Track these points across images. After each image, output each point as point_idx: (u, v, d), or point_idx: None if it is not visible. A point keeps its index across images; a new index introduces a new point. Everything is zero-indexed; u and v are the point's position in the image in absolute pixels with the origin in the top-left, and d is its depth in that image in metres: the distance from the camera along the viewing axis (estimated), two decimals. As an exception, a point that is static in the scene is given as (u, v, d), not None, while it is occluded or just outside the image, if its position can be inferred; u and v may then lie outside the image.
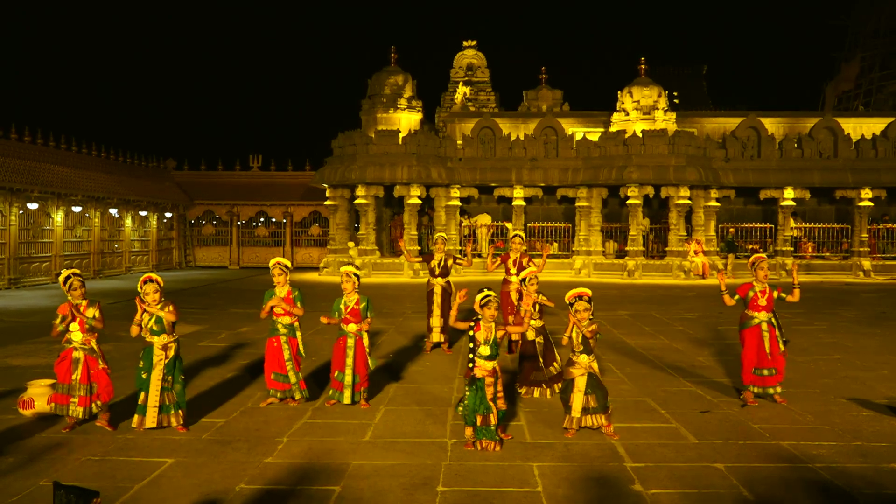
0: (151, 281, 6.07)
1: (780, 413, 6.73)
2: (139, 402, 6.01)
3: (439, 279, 9.87)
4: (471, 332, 5.69)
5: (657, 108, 25.88)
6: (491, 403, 5.60)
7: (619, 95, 26.54)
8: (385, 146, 23.95)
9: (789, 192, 24.20)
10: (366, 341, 6.91)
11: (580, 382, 5.95)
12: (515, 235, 10.04)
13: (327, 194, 25.32)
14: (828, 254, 25.25)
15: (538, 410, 6.80)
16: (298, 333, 7.00)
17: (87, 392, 6.04)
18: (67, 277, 6.20)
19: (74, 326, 6.08)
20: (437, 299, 9.81)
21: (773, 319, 7.04)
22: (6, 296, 17.67)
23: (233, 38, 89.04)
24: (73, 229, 22.90)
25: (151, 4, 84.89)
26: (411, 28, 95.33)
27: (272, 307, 6.83)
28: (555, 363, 7.46)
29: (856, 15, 44.25)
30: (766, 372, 7.01)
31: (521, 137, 25.35)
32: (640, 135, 23.60)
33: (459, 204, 24.65)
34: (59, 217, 21.80)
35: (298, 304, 6.88)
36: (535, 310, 7.42)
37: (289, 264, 7.03)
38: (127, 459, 5.36)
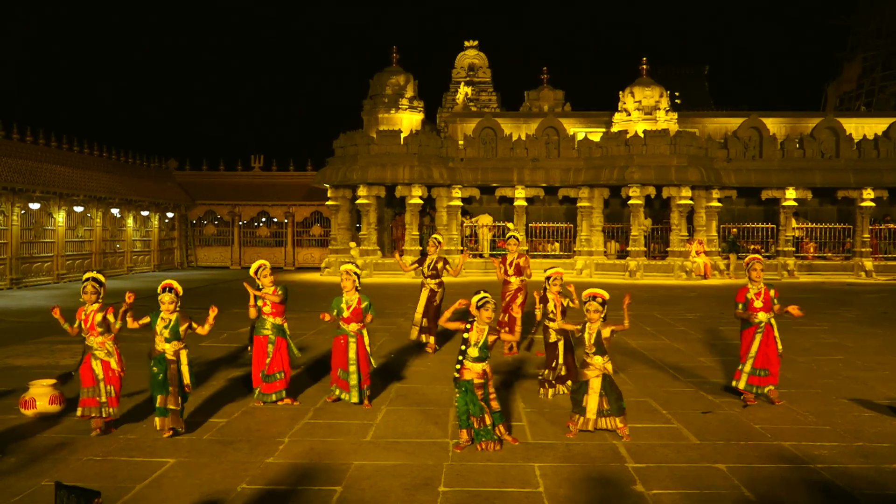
0: (170, 290, 6.07)
1: (781, 413, 6.72)
2: (157, 405, 5.96)
3: (430, 281, 9.94)
4: (465, 335, 5.65)
5: (659, 109, 25.87)
6: (483, 404, 5.57)
7: (620, 96, 26.54)
8: (387, 146, 23.96)
9: (791, 193, 24.17)
10: (367, 340, 6.92)
11: (595, 384, 5.91)
12: (511, 237, 10.06)
13: (329, 194, 25.33)
14: (829, 254, 25.22)
15: (539, 410, 6.80)
16: (288, 335, 7.04)
17: (114, 393, 6.03)
18: (86, 280, 6.18)
19: (88, 331, 6.09)
20: (423, 299, 9.92)
21: (772, 320, 7.04)
22: (8, 296, 17.69)
23: (234, 38, 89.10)
24: (75, 229, 22.92)
25: (152, 4, 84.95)
26: (413, 28, 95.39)
27: (259, 305, 6.98)
28: (566, 366, 7.38)
29: (858, 15, 44.21)
30: (761, 372, 7.01)
31: (523, 138, 25.34)
32: (642, 135, 23.59)
33: (461, 204, 24.65)
34: (60, 217, 21.82)
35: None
36: (557, 311, 7.35)
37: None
38: (128, 459, 5.37)
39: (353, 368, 6.81)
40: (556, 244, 25.43)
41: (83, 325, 6.09)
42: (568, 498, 4.69)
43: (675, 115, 26.42)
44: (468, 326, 5.65)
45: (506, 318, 9.62)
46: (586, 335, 5.97)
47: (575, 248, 24.67)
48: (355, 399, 6.83)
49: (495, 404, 5.73)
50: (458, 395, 5.64)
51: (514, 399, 7.22)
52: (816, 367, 8.88)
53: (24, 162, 20.73)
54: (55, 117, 65.23)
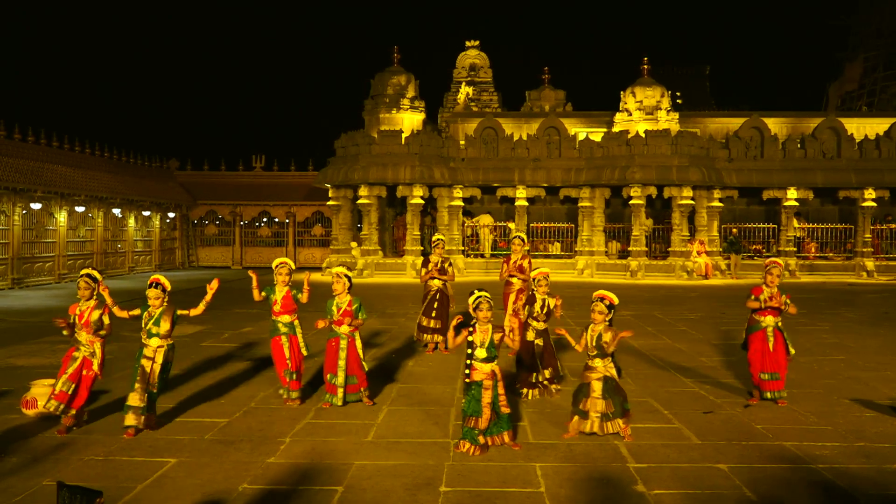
0: (157, 286, 6.10)
1: (782, 414, 6.72)
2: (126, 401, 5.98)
3: (436, 281, 9.91)
4: (470, 338, 5.62)
5: (660, 109, 25.86)
6: (486, 406, 5.49)
7: (621, 96, 26.53)
8: (388, 146, 23.96)
9: (792, 193, 24.15)
10: (358, 342, 6.88)
11: (596, 386, 5.85)
12: (515, 237, 10.04)
13: (330, 194, 25.33)
14: (831, 254, 25.19)
15: (541, 411, 6.80)
16: (299, 331, 7.03)
17: (70, 390, 5.99)
18: (80, 277, 6.21)
19: (80, 327, 6.11)
20: (434, 300, 9.85)
21: (779, 324, 7.05)
22: (9, 296, 17.71)
23: (236, 38, 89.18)
24: (77, 229, 22.94)
25: (155, 4, 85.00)
26: (414, 28, 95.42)
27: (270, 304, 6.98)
28: (550, 368, 7.40)
29: (859, 15, 44.17)
30: (766, 376, 7.01)
31: (524, 138, 25.34)
32: (643, 135, 23.57)
33: (462, 204, 24.63)
34: (62, 217, 21.84)
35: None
36: (541, 311, 7.35)
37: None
38: (130, 459, 5.37)
39: (340, 371, 6.75)
40: (558, 244, 25.42)
41: (77, 321, 6.13)
42: (569, 498, 4.69)
43: (677, 115, 26.41)
44: (471, 329, 5.62)
45: (516, 323, 9.58)
46: (588, 336, 5.94)
47: (576, 249, 24.65)
48: (339, 402, 6.76)
49: (505, 409, 5.65)
50: (465, 398, 5.61)
51: (514, 399, 7.21)
52: (818, 368, 8.87)
53: (26, 162, 20.74)
54: (57, 117, 65.35)
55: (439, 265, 9.93)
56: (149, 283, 6.17)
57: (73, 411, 6.05)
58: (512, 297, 9.63)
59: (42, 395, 6.36)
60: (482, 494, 4.74)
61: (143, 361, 6.01)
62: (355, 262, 23.23)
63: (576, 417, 5.95)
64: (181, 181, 30.62)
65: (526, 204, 24.39)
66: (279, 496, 4.71)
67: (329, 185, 25.01)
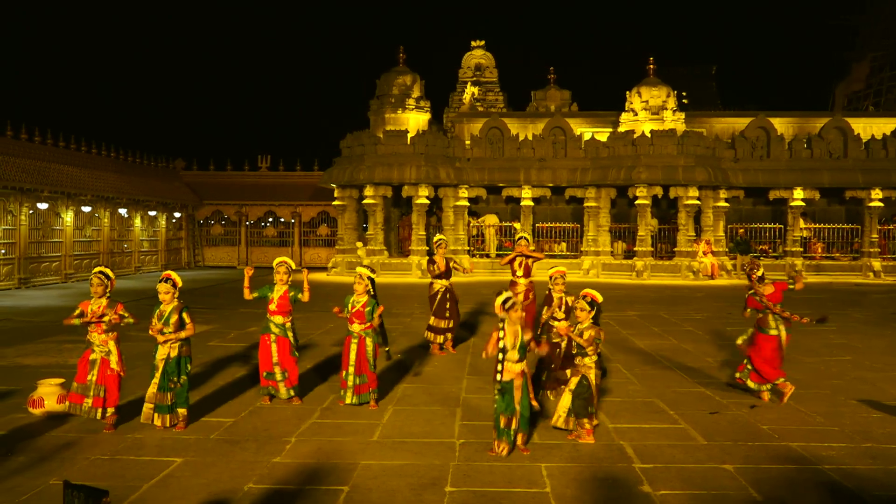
0: (167, 280, 6.14)
1: (789, 414, 6.70)
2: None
3: (443, 280, 9.90)
4: (501, 342, 5.41)
5: (666, 108, 25.79)
6: (517, 407, 5.42)
7: (627, 95, 26.46)
8: (393, 146, 23.97)
9: (799, 193, 24.06)
10: (369, 344, 6.88)
11: (572, 383, 5.92)
12: (521, 237, 10.00)
13: (336, 194, 25.35)
14: (837, 254, 25.10)
15: (545, 411, 6.78)
16: (290, 334, 6.98)
17: (102, 393, 6.03)
18: (93, 274, 6.23)
19: (92, 327, 6.11)
20: (445, 300, 9.83)
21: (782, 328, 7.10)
22: (16, 295, 17.78)
23: (242, 38, 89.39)
24: (83, 229, 23.01)
25: (162, 4, 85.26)
26: (419, 28, 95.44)
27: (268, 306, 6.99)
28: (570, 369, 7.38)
29: (865, 15, 44.03)
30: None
31: (530, 137, 25.32)
32: (649, 135, 23.53)
33: (468, 204, 24.63)
34: (68, 217, 21.91)
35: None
36: (561, 310, 7.31)
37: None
38: (136, 459, 5.39)
39: (351, 369, 6.81)
40: (563, 244, 25.39)
41: (89, 317, 6.13)
42: (575, 498, 4.69)
43: (683, 115, 26.33)
44: (501, 334, 5.42)
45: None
46: (573, 334, 5.94)
47: (582, 249, 24.61)
48: (348, 400, 6.83)
49: (534, 403, 5.56)
50: (497, 398, 5.48)
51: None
52: (824, 368, 8.84)
53: (32, 162, 20.82)
54: (63, 118, 65.63)
55: (444, 266, 9.92)
56: (160, 278, 6.21)
57: (112, 409, 6.09)
58: (525, 299, 9.55)
59: (49, 395, 6.39)
60: (487, 494, 4.74)
61: (157, 360, 6.08)
62: (360, 262, 23.23)
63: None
64: (187, 181, 30.69)
65: (531, 204, 24.37)
66: (285, 496, 4.72)
67: (334, 185, 25.03)
